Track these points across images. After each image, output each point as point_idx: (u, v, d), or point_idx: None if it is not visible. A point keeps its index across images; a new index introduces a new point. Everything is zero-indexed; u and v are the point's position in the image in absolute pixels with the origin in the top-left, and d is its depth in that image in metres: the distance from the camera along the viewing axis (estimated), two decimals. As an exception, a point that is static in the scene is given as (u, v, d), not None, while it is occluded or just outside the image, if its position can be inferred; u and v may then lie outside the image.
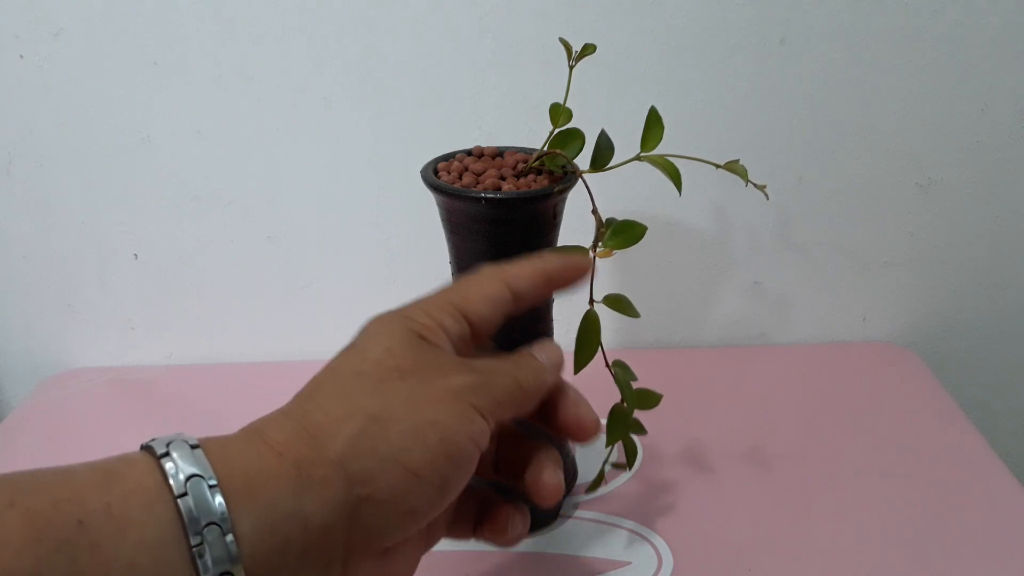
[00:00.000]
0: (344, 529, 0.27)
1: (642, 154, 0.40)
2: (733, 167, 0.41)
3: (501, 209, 0.39)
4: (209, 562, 0.24)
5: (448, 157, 0.44)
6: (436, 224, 0.43)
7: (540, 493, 0.34)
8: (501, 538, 0.35)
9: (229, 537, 0.24)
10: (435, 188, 0.40)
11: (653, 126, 0.40)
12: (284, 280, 0.66)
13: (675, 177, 0.39)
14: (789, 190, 0.63)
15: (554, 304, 0.45)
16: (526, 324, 0.44)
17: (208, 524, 0.24)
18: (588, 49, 0.40)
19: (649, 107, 0.40)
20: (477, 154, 0.44)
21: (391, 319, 0.31)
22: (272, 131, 0.60)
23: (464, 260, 0.43)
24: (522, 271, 0.33)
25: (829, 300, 0.68)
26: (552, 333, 0.46)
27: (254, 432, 0.28)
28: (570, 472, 0.50)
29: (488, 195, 0.38)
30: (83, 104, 0.59)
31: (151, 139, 0.60)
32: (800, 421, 0.59)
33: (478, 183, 0.41)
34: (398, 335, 0.30)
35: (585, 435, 0.34)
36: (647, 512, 0.51)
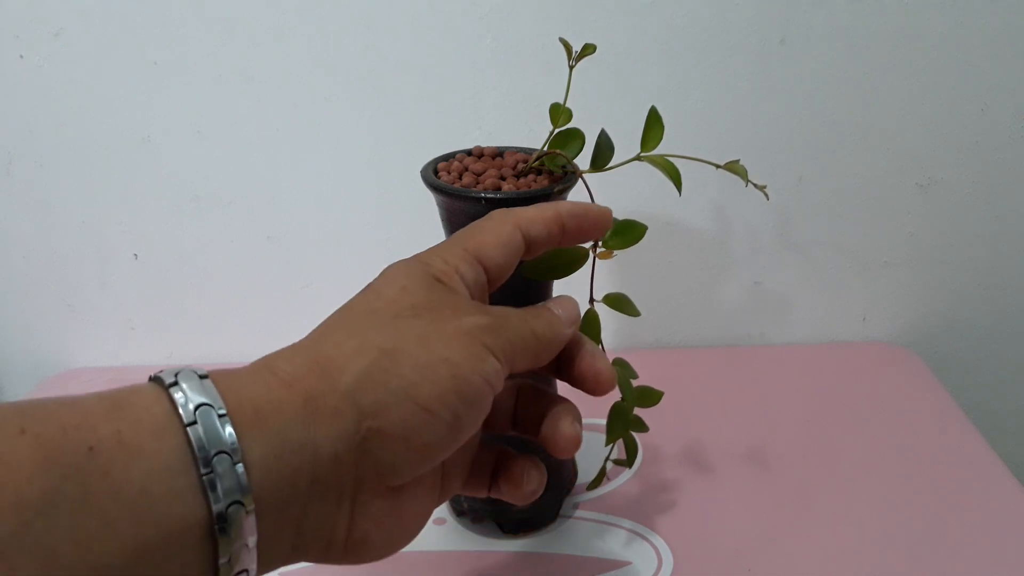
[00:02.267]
0: (353, 462, 0.27)
1: (642, 154, 0.40)
2: (733, 167, 0.41)
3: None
4: (220, 492, 0.23)
5: (448, 157, 0.44)
6: (436, 224, 0.43)
7: (558, 444, 0.33)
8: (516, 492, 0.35)
9: (239, 467, 0.24)
10: (435, 188, 0.40)
11: (653, 126, 0.40)
12: (284, 280, 0.66)
13: (675, 177, 0.39)
14: (789, 190, 0.63)
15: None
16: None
17: (218, 453, 0.23)
18: (588, 49, 0.40)
19: (649, 107, 0.40)
20: (477, 154, 0.44)
21: (408, 263, 0.32)
22: (272, 131, 0.60)
23: (464, 260, 0.43)
24: (536, 215, 0.33)
25: (829, 300, 0.68)
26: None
27: (264, 366, 0.27)
28: (570, 472, 0.50)
29: (488, 195, 0.38)
30: (83, 104, 0.59)
31: (151, 139, 0.60)
32: (800, 421, 0.59)
33: (478, 183, 0.41)
34: (415, 277, 0.31)
35: (602, 387, 0.34)
36: (647, 512, 0.51)
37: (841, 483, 0.53)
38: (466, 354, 0.28)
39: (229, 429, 0.24)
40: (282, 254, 0.65)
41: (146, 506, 0.22)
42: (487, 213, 0.39)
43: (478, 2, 0.56)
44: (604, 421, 0.42)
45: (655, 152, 0.40)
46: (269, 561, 0.26)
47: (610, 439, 0.42)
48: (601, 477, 0.46)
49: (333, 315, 0.31)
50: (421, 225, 0.62)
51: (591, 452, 0.55)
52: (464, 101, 0.59)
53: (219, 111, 0.59)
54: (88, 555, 0.21)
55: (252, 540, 0.24)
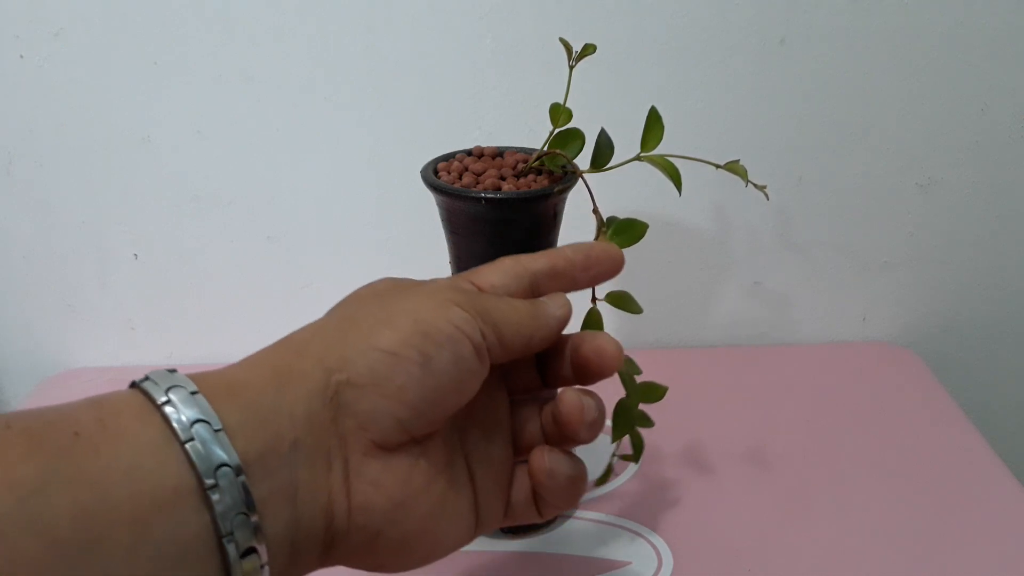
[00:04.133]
0: (331, 419, 0.27)
1: (642, 154, 0.40)
2: (733, 167, 0.41)
3: (501, 209, 0.39)
4: (205, 455, 0.24)
5: (448, 157, 0.44)
6: (436, 224, 0.43)
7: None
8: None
9: (221, 434, 0.24)
10: (435, 188, 0.40)
11: (653, 126, 0.40)
12: (284, 280, 0.66)
13: (675, 177, 0.39)
14: (789, 190, 0.63)
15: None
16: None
17: (196, 421, 0.24)
18: (588, 49, 0.40)
19: (649, 107, 0.40)
20: (477, 154, 0.44)
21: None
22: (272, 131, 0.60)
23: (464, 260, 0.43)
24: (538, 254, 0.34)
25: (829, 300, 0.68)
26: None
27: (238, 362, 0.29)
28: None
29: (488, 195, 0.38)
30: (83, 104, 0.59)
31: (151, 139, 0.60)
32: (800, 421, 0.59)
33: (478, 183, 0.41)
34: (392, 279, 0.33)
35: (607, 361, 0.33)
36: (647, 512, 0.51)
37: (841, 483, 0.53)
38: (429, 304, 0.29)
39: (204, 402, 0.25)
40: (282, 254, 0.65)
41: (138, 478, 0.23)
42: (487, 213, 0.39)
43: (478, 2, 0.56)
44: (608, 419, 0.42)
45: (655, 152, 0.40)
46: (278, 544, 0.26)
47: (616, 436, 0.42)
48: (608, 473, 0.46)
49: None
50: (421, 225, 0.62)
51: (595, 451, 0.55)
52: (464, 101, 0.59)
53: (219, 111, 0.59)
54: (88, 529, 0.22)
55: (250, 512, 0.24)
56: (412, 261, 0.64)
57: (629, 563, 0.47)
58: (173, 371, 0.26)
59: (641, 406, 0.42)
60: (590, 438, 0.34)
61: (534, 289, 0.34)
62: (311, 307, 0.66)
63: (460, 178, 0.41)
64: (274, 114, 0.60)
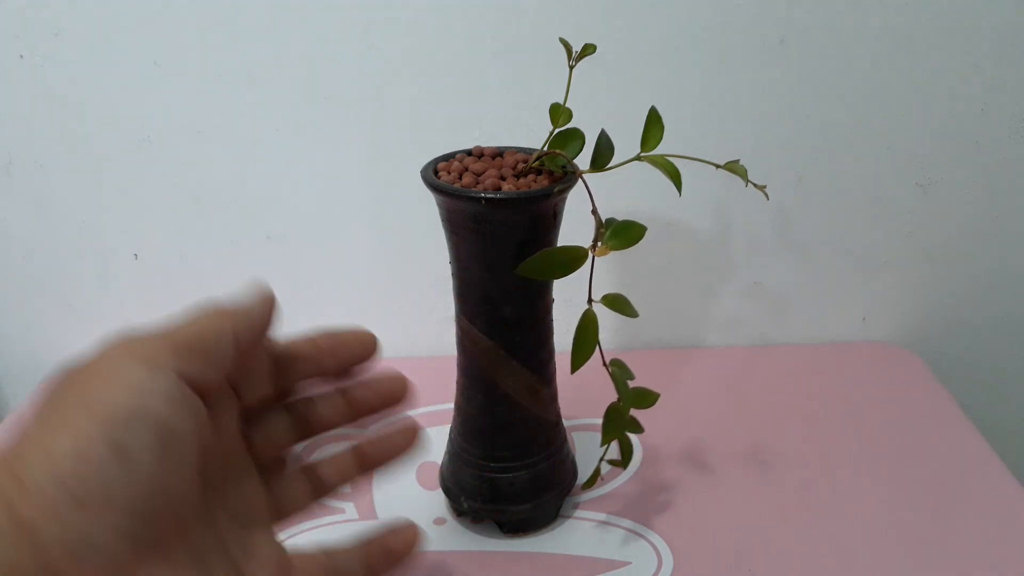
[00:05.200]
0: (33, 567, 0.21)
1: (642, 154, 0.40)
2: (733, 167, 0.41)
3: (501, 209, 0.39)
4: None
5: (448, 157, 0.44)
6: (436, 224, 0.43)
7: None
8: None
9: None
10: (435, 188, 0.40)
11: (653, 126, 0.40)
12: (284, 280, 0.66)
13: (675, 177, 0.39)
14: (789, 190, 0.63)
15: (554, 304, 0.45)
16: (527, 324, 0.44)
17: None
18: (588, 49, 0.40)
19: (649, 107, 0.40)
20: (477, 154, 0.44)
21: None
22: (272, 131, 0.60)
23: (464, 260, 0.43)
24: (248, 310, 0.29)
25: (829, 300, 0.68)
26: (552, 334, 0.46)
27: None
28: (570, 472, 0.50)
29: (488, 195, 0.38)
30: (83, 104, 0.59)
31: (151, 139, 0.60)
32: (800, 421, 0.59)
33: (478, 183, 0.41)
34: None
35: (394, 395, 0.29)
36: (647, 512, 0.51)
37: (841, 483, 0.53)
38: (100, 381, 0.23)
39: None
40: (282, 254, 0.65)
41: None
42: (487, 213, 0.39)
43: (478, 2, 0.56)
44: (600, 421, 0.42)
45: (655, 152, 0.40)
46: None
47: (605, 440, 0.42)
48: (595, 478, 0.46)
49: None
50: (421, 225, 0.62)
51: (590, 451, 0.55)
52: (464, 101, 0.59)
53: (219, 111, 0.59)
54: None
55: None
56: (412, 261, 0.64)
57: (629, 563, 0.47)
58: None
59: (634, 412, 0.42)
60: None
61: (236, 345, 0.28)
62: (311, 307, 0.66)
63: (460, 178, 0.41)
64: (274, 114, 0.60)
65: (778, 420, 0.59)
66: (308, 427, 0.31)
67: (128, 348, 0.24)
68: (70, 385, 0.24)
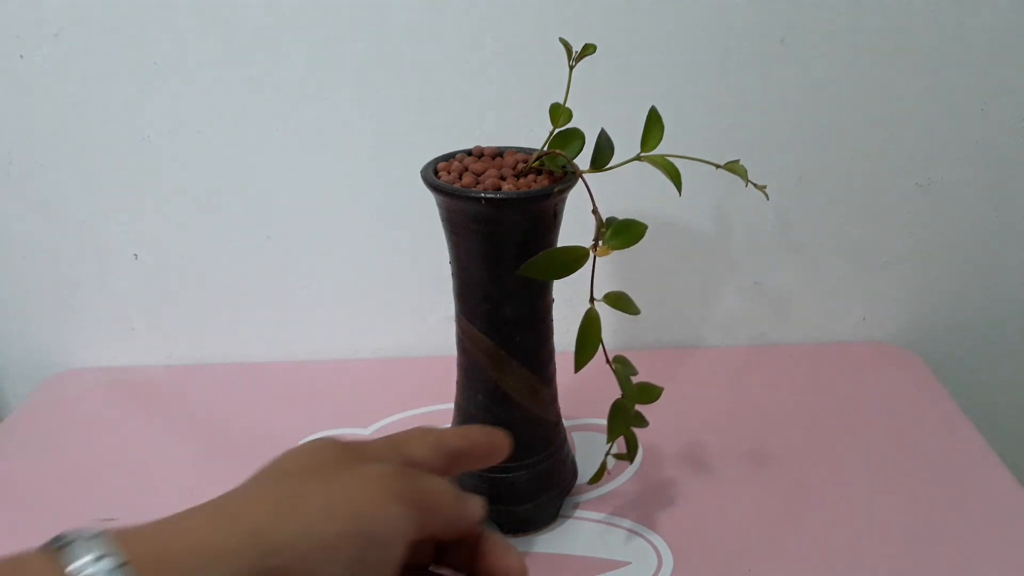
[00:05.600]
0: None
1: (642, 154, 0.40)
2: (733, 167, 0.41)
3: (501, 209, 0.39)
4: None
5: (448, 157, 0.44)
6: (436, 224, 0.43)
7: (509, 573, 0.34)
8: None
9: None
10: (435, 188, 0.40)
11: (653, 126, 0.40)
12: (284, 280, 0.66)
13: (675, 177, 0.39)
14: (789, 190, 0.63)
15: (554, 304, 0.45)
16: (527, 324, 0.44)
17: None
18: (588, 49, 0.40)
19: (649, 107, 0.40)
20: (477, 154, 0.44)
21: (324, 437, 0.33)
22: (272, 131, 0.60)
23: (464, 260, 0.43)
24: (455, 436, 0.36)
25: (829, 300, 0.68)
26: (552, 334, 0.46)
27: (175, 518, 0.28)
28: (570, 472, 0.50)
29: (488, 195, 0.38)
30: (83, 104, 0.59)
31: (151, 139, 0.60)
32: (800, 421, 0.59)
33: (478, 183, 0.41)
34: (326, 442, 0.32)
35: None
36: (647, 512, 0.51)
37: (841, 483, 0.53)
38: (370, 497, 0.29)
39: None
40: (282, 254, 0.65)
41: None
42: (487, 213, 0.39)
43: (478, 2, 0.56)
44: (603, 420, 0.42)
45: (655, 152, 0.40)
46: None
47: (611, 436, 0.42)
48: (602, 472, 0.46)
49: (249, 478, 0.31)
50: (421, 225, 0.62)
51: (590, 451, 0.55)
52: (464, 101, 0.59)
53: (219, 111, 0.59)
54: None
55: None
56: (412, 261, 0.64)
57: (629, 563, 0.47)
58: (99, 533, 0.25)
59: (637, 407, 0.42)
60: None
61: (447, 466, 0.35)
62: (311, 307, 0.66)
63: (460, 178, 0.41)
64: (274, 114, 0.60)
65: (778, 420, 0.59)
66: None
67: (395, 485, 0.30)
68: (341, 475, 0.30)
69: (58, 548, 0.24)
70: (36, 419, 0.62)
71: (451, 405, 0.49)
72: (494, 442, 0.37)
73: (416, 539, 0.31)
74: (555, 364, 0.47)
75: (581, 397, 0.50)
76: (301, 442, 0.32)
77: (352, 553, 0.28)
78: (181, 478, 0.54)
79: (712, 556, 0.47)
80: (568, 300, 0.47)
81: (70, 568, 0.24)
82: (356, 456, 0.32)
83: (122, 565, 0.24)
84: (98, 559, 0.24)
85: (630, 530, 0.49)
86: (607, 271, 0.65)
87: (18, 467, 0.57)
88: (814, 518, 0.50)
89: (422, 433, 0.35)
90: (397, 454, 0.34)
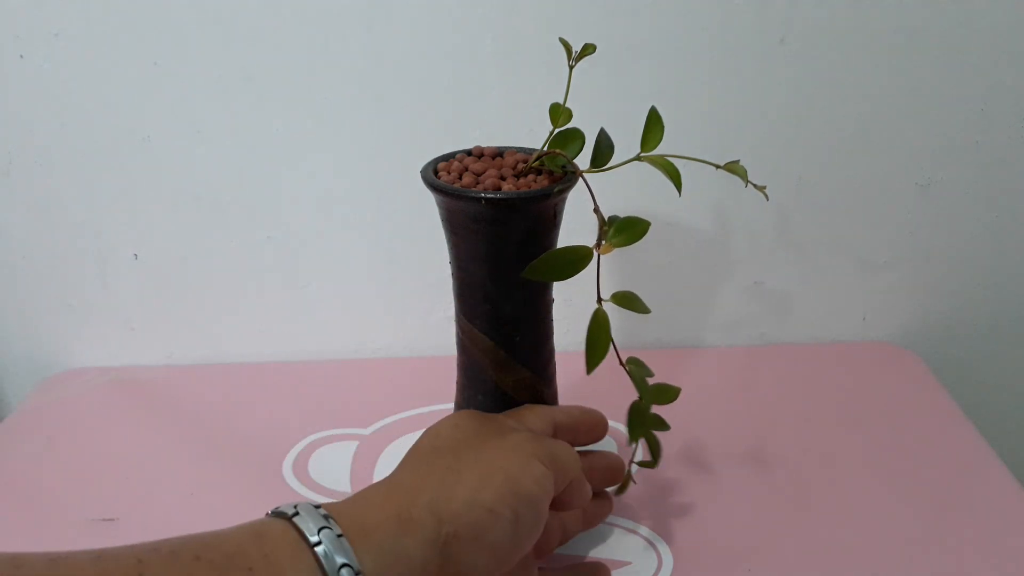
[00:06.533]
0: (439, 565, 0.32)
1: (642, 154, 0.40)
2: (733, 167, 0.41)
3: (501, 209, 0.39)
4: None
5: (448, 157, 0.44)
6: (436, 224, 0.43)
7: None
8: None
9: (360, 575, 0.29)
10: (435, 188, 0.40)
11: (653, 126, 0.40)
12: (284, 280, 0.66)
13: (675, 177, 0.39)
14: (789, 190, 0.63)
15: (554, 304, 0.45)
16: (527, 324, 0.44)
17: (342, 565, 0.29)
18: (588, 49, 0.40)
19: (649, 107, 0.40)
20: (477, 154, 0.44)
21: (465, 410, 0.41)
22: (272, 131, 0.60)
23: (464, 260, 0.43)
24: (560, 412, 0.43)
25: (829, 300, 0.68)
26: (552, 334, 0.46)
27: (359, 496, 0.34)
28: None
29: (488, 195, 0.38)
30: (83, 104, 0.59)
31: (151, 139, 0.60)
32: (800, 421, 0.59)
33: (478, 183, 0.41)
34: (466, 416, 0.39)
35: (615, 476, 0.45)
36: (647, 512, 0.51)
37: (841, 483, 0.53)
38: (516, 461, 0.35)
39: (347, 547, 0.30)
40: (282, 254, 0.65)
41: None
42: (487, 213, 0.39)
43: (478, 2, 0.56)
44: (621, 425, 0.41)
45: (655, 152, 0.40)
46: None
47: (632, 438, 0.42)
48: (627, 483, 0.45)
49: (404, 457, 0.37)
50: (421, 225, 0.62)
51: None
52: (464, 101, 0.59)
53: (219, 111, 0.59)
54: None
55: None
56: (412, 261, 0.64)
57: (629, 563, 0.47)
58: (318, 507, 0.31)
59: (654, 409, 0.42)
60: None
61: (557, 438, 0.41)
62: (311, 307, 0.66)
63: (460, 178, 0.41)
64: (274, 114, 0.60)
65: (778, 420, 0.59)
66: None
67: (534, 449, 0.37)
68: (490, 447, 0.36)
69: (291, 516, 0.30)
70: (36, 419, 0.62)
71: (451, 405, 0.49)
72: (594, 419, 0.44)
73: (554, 496, 0.36)
74: (555, 364, 0.47)
75: (582, 397, 0.50)
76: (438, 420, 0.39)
77: (509, 514, 0.34)
78: (181, 478, 0.54)
79: (712, 556, 0.47)
80: (568, 300, 0.47)
81: (311, 537, 0.29)
82: (494, 428, 0.38)
83: (339, 536, 0.30)
84: (320, 529, 0.30)
85: (630, 530, 0.49)
86: (607, 271, 0.65)
87: (18, 467, 0.56)
88: (814, 518, 0.50)
89: (533, 409, 0.42)
90: (522, 424, 0.40)
